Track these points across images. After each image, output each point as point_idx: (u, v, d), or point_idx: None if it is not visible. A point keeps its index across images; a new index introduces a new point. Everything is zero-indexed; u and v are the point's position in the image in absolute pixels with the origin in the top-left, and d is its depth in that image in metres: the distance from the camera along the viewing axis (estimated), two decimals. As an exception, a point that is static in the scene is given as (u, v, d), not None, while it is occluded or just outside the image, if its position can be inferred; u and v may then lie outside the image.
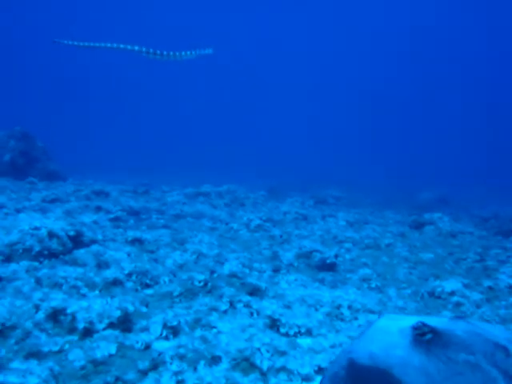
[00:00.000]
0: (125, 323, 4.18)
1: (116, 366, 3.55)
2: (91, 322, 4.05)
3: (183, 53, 6.02)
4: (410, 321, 3.16)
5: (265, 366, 3.53)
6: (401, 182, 29.05)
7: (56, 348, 3.76)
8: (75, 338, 3.95)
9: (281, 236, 8.75)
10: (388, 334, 3.10)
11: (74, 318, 4.08)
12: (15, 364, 3.20)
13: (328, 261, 6.82)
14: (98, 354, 3.63)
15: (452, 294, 5.82)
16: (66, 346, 3.78)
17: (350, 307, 5.05)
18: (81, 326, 4.03)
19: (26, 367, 3.19)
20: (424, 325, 3.00)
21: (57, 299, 4.36)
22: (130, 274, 5.38)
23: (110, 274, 5.28)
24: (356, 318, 4.90)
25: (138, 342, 3.86)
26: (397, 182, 28.88)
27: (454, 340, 2.97)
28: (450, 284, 5.99)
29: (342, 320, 4.81)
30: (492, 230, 12.24)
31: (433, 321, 3.21)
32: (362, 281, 6.31)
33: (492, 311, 5.46)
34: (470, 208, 18.66)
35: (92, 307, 4.16)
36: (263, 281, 5.72)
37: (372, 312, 5.11)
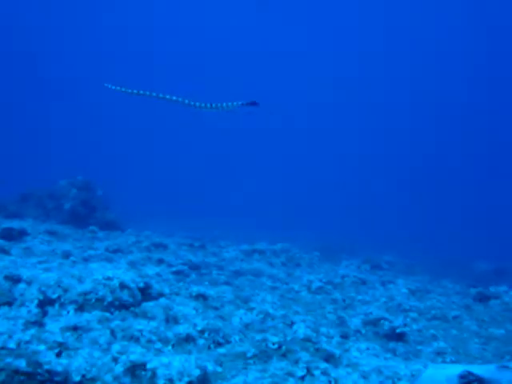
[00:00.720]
0: (204, 383, 4.12)
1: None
2: (171, 380, 4.01)
3: (229, 104, 6.16)
4: (457, 369, 3.25)
5: None
6: (453, 244, 28.47)
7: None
8: (153, 395, 3.91)
9: (344, 300, 8.60)
10: (436, 383, 3.21)
11: (154, 375, 4.05)
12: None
13: (398, 330, 6.64)
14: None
15: (533, 374, 5.55)
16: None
17: (429, 382, 4.86)
18: (160, 383, 3.99)
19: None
20: (470, 373, 3.12)
21: (135, 353, 4.36)
22: (202, 331, 5.34)
23: (182, 329, 5.26)
24: (435, 394, 4.69)
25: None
26: (448, 243, 28.31)
27: None
28: (530, 364, 5.72)
29: (422, 395, 4.62)
30: None
31: (479, 369, 3.27)
32: (436, 354, 6.10)
33: None
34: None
35: (172, 364, 4.12)
36: (333, 347, 5.58)
37: (450, 388, 4.89)
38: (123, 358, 4.30)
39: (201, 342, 5.23)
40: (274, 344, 5.05)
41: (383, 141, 66.26)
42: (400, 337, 6.61)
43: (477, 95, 63.87)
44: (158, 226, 20.05)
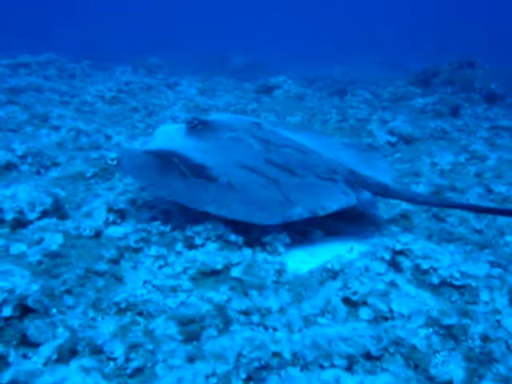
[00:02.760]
0: (58, 211, 3.73)
1: (75, 258, 3.17)
2: (21, 212, 3.54)
3: None
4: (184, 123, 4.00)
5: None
6: (209, 45, 29.16)
7: (-9, 245, 3.25)
8: (5, 230, 3.45)
9: (146, 107, 8.31)
10: (168, 132, 3.94)
11: (-1, 210, 3.53)
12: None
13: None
14: (49, 246, 3.20)
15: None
16: (1, 242, 3.27)
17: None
18: (9, 216, 3.51)
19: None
20: (195, 118, 3.93)
21: (-37, 191, 3.71)
22: (23, 157, 4.75)
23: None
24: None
25: (85, 230, 3.47)
26: (205, 46, 28.88)
27: (220, 125, 3.92)
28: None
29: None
30: (325, 90, 12.79)
31: (203, 117, 4.05)
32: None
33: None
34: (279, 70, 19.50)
35: (17, 196, 3.62)
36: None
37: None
38: None
39: (25, 167, 4.68)
40: (113, 160, 4.73)
41: None
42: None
43: None
44: None
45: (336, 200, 3.39)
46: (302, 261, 3.17)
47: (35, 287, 2.53)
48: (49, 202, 3.66)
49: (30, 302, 2.46)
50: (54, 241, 3.28)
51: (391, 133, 7.09)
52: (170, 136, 3.87)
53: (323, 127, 7.82)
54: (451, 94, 11.34)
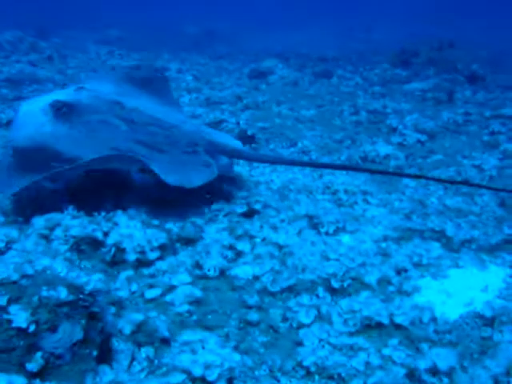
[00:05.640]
0: (172, 247, 3.65)
1: (217, 305, 3.12)
2: (143, 252, 3.45)
3: None
4: (47, 100, 4.04)
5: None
6: (162, 15, 28.47)
7: (126, 289, 3.15)
8: (130, 272, 3.35)
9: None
10: (33, 117, 3.92)
11: (119, 249, 3.42)
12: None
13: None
14: (192, 293, 3.13)
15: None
16: (135, 286, 3.18)
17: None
18: (132, 257, 3.40)
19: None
20: (58, 102, 3.97)
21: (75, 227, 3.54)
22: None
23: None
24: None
25: (209, 270, 3.40)
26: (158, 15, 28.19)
27: (84, 107, 4.02)
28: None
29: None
30: (305, 71, 12.31)
31: (61, 95, 4.16)
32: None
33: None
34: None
35: (134, 235, 3.50)
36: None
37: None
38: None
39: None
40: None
41: None
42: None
43: None
44: None
45: (200, 177, 3.86)
46: (443, 302, 3.22)
47: (237, 357, 2.50)
48: (164, 239, 3.57)
49: (237, 374, 2.44)
50: (182, 281, 3.24)
51: (416, 129, 7.12)
52: (36, 122, 3.92)
53: (342, 122, 7.80)
54: (435, 75, 11.46)
